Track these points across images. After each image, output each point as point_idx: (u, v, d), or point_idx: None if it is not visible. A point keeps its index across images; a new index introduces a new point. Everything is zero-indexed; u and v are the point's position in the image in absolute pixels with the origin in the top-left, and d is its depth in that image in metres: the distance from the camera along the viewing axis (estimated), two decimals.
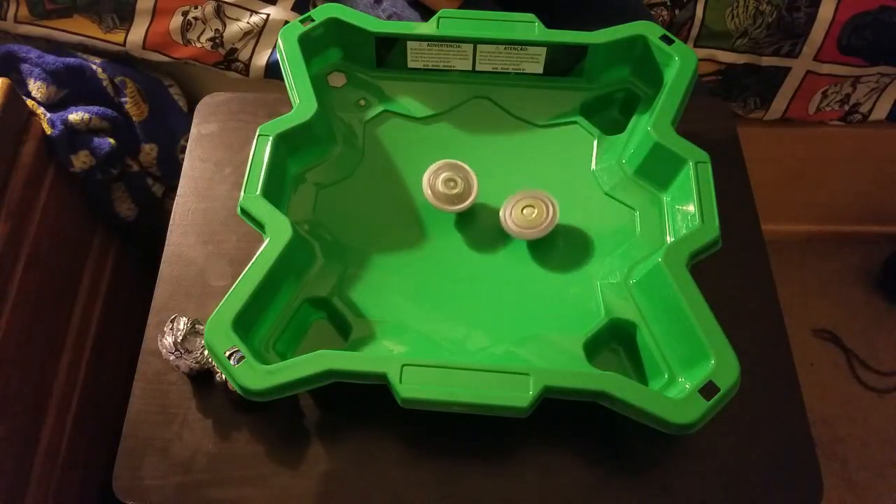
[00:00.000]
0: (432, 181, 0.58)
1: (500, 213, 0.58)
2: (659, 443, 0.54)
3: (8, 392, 0.76)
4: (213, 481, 0.53)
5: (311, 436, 0.54)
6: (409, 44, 0.64)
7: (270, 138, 0.56)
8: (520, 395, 0.47)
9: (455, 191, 0.58)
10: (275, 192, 0.56)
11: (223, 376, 0.54)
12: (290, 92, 0.60)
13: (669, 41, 0.62)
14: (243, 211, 0.54)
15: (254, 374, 0.47)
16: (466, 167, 0.59)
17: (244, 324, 0.49)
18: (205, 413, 0.55)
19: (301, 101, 0.59)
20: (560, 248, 0.59)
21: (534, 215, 0.58)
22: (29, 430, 0.80)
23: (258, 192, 0.54)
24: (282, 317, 0.53)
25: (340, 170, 0.62)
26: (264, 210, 0.53)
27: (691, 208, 0.55)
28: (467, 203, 0.58)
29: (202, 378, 0.56)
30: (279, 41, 0.62)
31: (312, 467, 0.53)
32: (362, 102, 0.66)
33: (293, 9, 0.95)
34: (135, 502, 0.52)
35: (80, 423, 0.89)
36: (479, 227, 0.60)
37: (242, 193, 0.54)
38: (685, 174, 0.57)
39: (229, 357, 0.47)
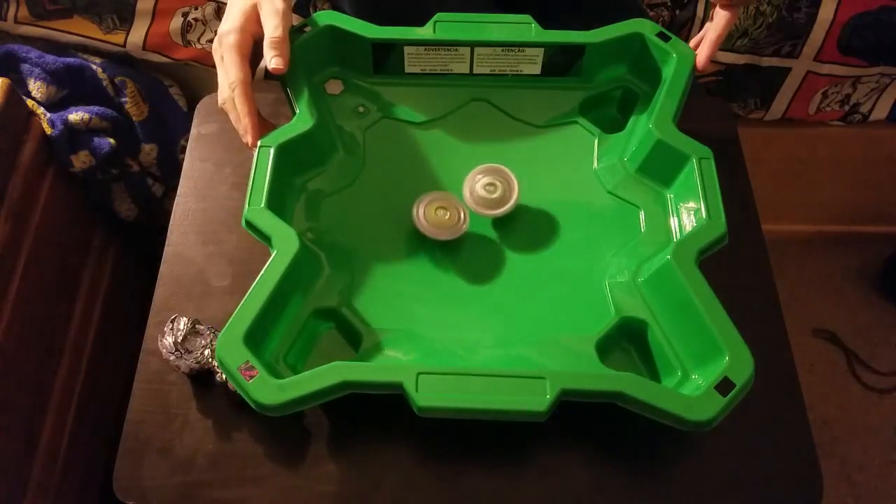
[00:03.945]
0: (424, 212, 0.58)
1: (463, 192, 0.59)
2: (659, 442, 0.55)
3: (8, 392, 0.76)
4: (213, 481, 0.53)
5: (311, 436, 0.54)
6: (406, 49, 0.64)
7: (272, 149, 0.56)
8: (537, 399, 0.46)
9: (447, 217, 0.58)
10: (278, 203, 0.55)
11: (223, 376, 0.54)
12: (288, 102, 0.60)
13: (666, 38, 0.62)
14: (249, 224, 0.54)
15: (268, 389, 0.47)
16: (455, 199, 0.59)
17: (255, 338, 0.49)
18: (205, 413, 0.55)
19: (301, 111, 0.59)
20: (566, 248, 0.59)
21: (496, 193, 0.58)
22: (29, 430, 0.80)
23: (263, 205, 0.54)
24: (291, 329, 0.53)
25: (342, 178, 0.62)
26: (270, 222, 0.53)
27: (696, 204, 0.55)
28: (462, 229, 0.58)
29: (202, 378, 0.56)
30: None
31: (313, 467, 0.53)
32: (361, 109, 0.65)
33: (293, 11, 0.95)
34: (135, 502, 0.52)
35: (80, 423, 0.89)
36: (485, 230, 0.60)
37: (247, 206, 0.54)
38: (689, 170, 0.57)
39: (242, 373, 0.47)
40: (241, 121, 0.57)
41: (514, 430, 0.55)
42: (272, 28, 0.57)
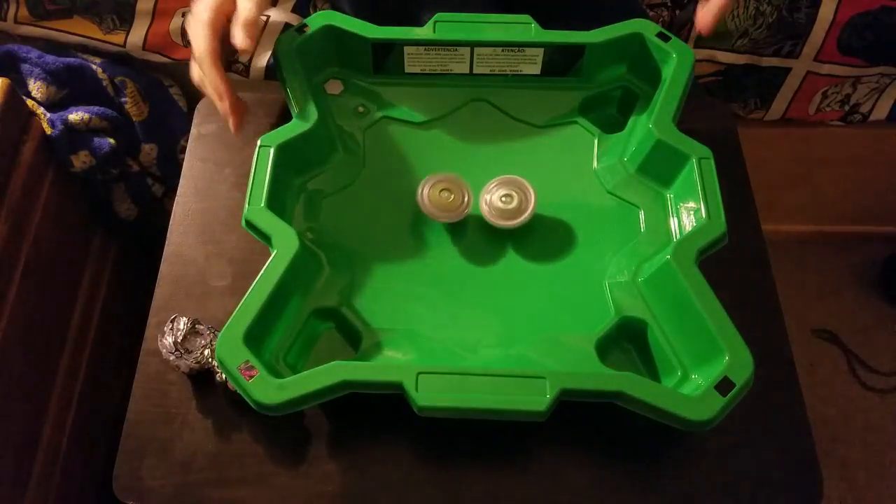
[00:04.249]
0: (429, 193, 0.58)
1: (480, 204, 0.59)
2: (658, 443, 0.55)
3: (8, 392, 0.76)
4: (213, 481, 0.53)
5: (311, 436, 0.54)
6: (406, 49, 0.64)
7: (272, 149, 0.56)
8: (537, 398, 0.47)
9: (450, 199, 0.58)
10: (278, 202, 0.55)
11: (223, 376, 0.54)
12: (288, 102, 0.60)
13: (666, 38, 0.63)
14: (249, 223, 0.54)
15: (267, 389, 0.47)
16: (462, 181, 0.59)
17: (255, 338, 0.49)
18: (205, 413, 0.55)
19: (300, 111, 0.59)
20: (566, 247, 0.59)
21: (513, 204, 0.58)
22: (29, 430, 0.80)
23: (263, 204, 0.54)
24: (291, 329, 0.53)
25: (342, 177, 0.62)
26: (270, 222, 0.53)
27: (696, 204, 0.55)
28: (463, 213, 0.59)
29: (202, 378, 0.56)
30: (275, 51, 0.62)
31: (313, 467, 0.53)
32: (361, 109, 0.66)
33: (293, 10, 0.95)
34: (135, 502, 0.52)
35: (80, 423, 0.89)
36: (485, 230, 0.60)
37: (247, 206, 0.54)
38: (689, 170, 0.57)
39: (242, 372, 0.47)
40: (212, 86, 0.57)
41: (514, 430, 0.55)
42: (245, 8, 0.57)
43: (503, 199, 0.58)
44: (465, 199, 0.59)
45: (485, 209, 0.58)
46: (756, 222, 0.65)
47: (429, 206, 0.58)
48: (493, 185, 0.59)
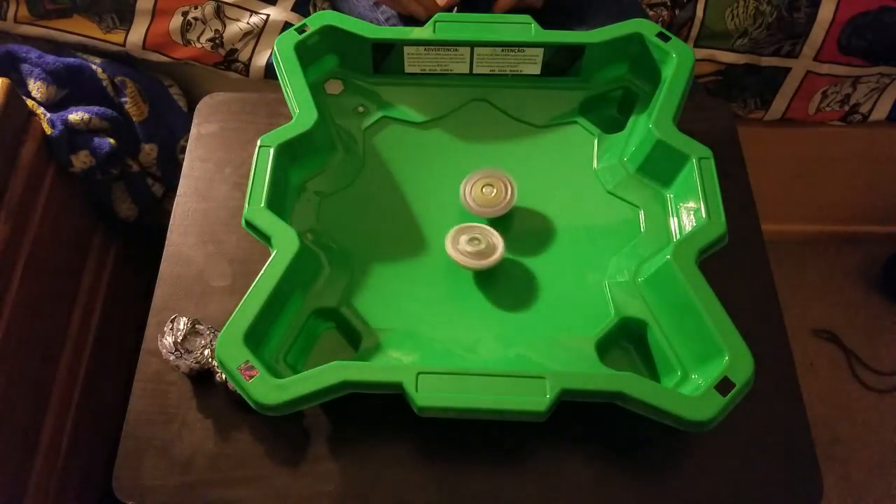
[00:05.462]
0: (471, 191, 0.59)
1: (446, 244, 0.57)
2: (659, 442, 0.55)
3: (8, 392, 0.76)
4: (213, 481, 0.53)
5: (311, 436, 0.54)
6: (406, 49, 0.64)
7: (272, 149, 0.56)
8: (537, 399, 0.47)
9: (493, 194, 0.59)
10: (278, 203, 0.55)
11: (223, 376, 0.54)
12: (288, 101, 0.60)
13: (666, 38, 0.63)
14: (249, 224, 0.54)
15: (267, 389, 0.47)
16: (502, 173, 0.60)
17: (255, 338, 0.49)
18: (205, 413, 0.55)
19: (300, 111, 0.59)
20: (566, 248, 0.59)
21: (481, 247, 0.56)
22: (29, 430, 0.80)
23: (263, 204, 0.54)
24: (291, 329, 0.53)
25: (342, 177, 0.62)
26: (270, 222, 0.53)
27: (696, 204, 0.55)
28: (504, 206, 0.59)
29: (202, 378, 0.56)
30: (275, 51, 0.62)
31: (312, 467, 0.53)
32: (361, 109, 0.66)
33: (293, 9, 0.95)
34: (135, 502, 0.52)
35: (80, 423, 0.89)
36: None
37: (247, 206, 0.54)
38: (688, 170, 0.57)
39: (242, 372, 0.47)
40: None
41: (514, 430, 0.55)
42: None
43: (471, 241, 0.56)
44: (508, 192, 0.59)
45: (451, 251, 0.56)
46: (756, 222, 0.65)
47: (473, 205, 0.58)
48: (460, 231, 0.57)
